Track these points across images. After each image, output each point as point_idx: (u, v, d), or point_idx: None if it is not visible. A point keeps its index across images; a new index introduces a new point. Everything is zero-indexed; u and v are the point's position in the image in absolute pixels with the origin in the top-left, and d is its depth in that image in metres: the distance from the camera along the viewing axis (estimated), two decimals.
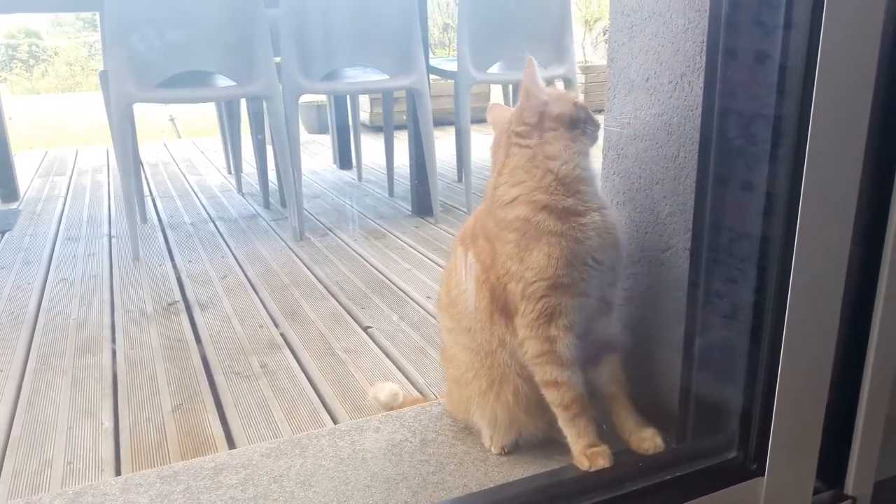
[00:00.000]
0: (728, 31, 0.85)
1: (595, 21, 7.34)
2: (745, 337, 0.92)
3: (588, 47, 7.20)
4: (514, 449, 1.14)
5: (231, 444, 1.34)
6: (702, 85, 0.96)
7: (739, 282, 0.91)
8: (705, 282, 0.95)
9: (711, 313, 0.96)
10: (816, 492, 1.03)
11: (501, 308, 1.03)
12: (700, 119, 0.96)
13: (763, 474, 0.95)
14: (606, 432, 1.06)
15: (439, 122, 3.24)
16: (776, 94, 0.79)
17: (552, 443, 1.14)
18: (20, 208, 3.33)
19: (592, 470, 1.00)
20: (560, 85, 3.21)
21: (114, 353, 1.75)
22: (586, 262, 0.98)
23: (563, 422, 1.04)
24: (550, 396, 1.02)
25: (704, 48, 0.96)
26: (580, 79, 3.39)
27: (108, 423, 1.42)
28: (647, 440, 1.04)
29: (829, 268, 0.87)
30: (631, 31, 1.14)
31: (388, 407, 1.35)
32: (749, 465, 0.96)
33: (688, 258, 1.01)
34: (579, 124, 1.00)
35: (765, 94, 0.81)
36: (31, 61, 12.83)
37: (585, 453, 1.02)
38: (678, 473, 0.96)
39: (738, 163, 0.86)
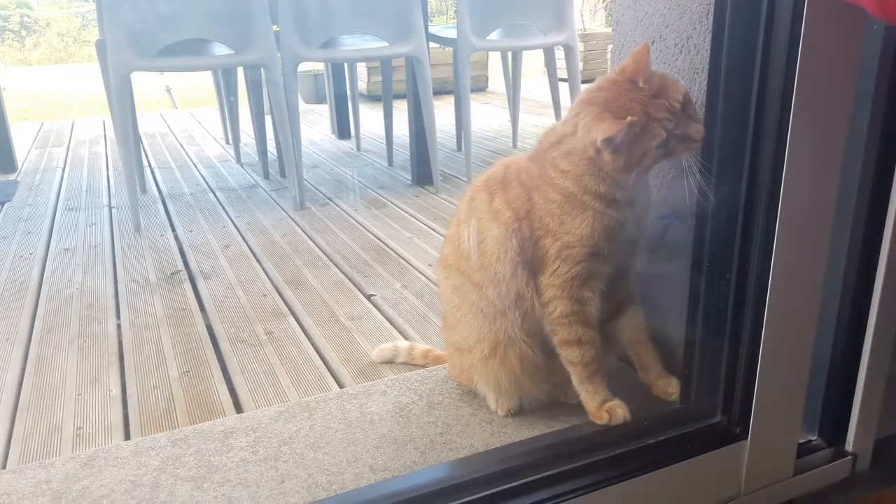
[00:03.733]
0: None
1: None
2: (732, 300, 0.94)
3: (587, 15, 7.12)
4: (519, 411, 1.15)
5: (239, 409, 1.35)
6: (708, 47, 0.96)
7: (734, 246, 0.92)
8: (710, 244, 0.96)
9: (711, 279, 0.97)
10: (817, 448, 1.05)
11: (528, 261, 1.02)
12: (706, 81, 0.96)
13: (746, 438, 0.97)
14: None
15: (437, 92, 3.23)
16: (786, 57, 0.79)
17: (556, 404, 1.16)
18: (18, 179, 3.32)
19: (613, 423, 1.04)
20: (560, 53, 3.18)
21: (118, 322, 1.76)
22: (624, 237, 1.01)
23: (580, 379, 1.06)
24: (572, 355, 1.04)
25: (712, 10, 0.95)
26: (580, 46, 3.37)
27: (115, 390, 1.44)
28: (672, 385, 1.10)
29: (813, 231, 0.88)
30: None
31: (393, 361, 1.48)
32: (733, 429, 0.98)
33: (693, 221, 1.02)
34: None
35: (774, 55, 0.81)
36: (23, 32, 12.66)
37: (604, 408, 1.05)
38: (662, 437, 0.98)
39: (744, 125, 0.86)
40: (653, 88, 0.92)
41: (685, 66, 1.05)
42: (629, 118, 0.89)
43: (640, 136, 0.91)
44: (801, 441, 1.04)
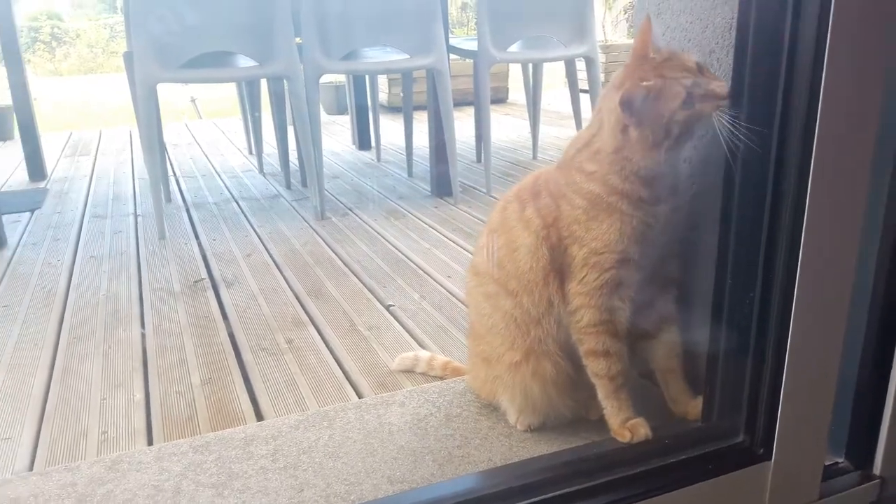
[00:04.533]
0: (761, 5, 0.84)
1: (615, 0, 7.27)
2: (755, 319, 0.93)
3: (608, 26, 7.13)
4: (539, 427, 1.15)
5: (259, 417, 1.36)
6: (731, 62, 0.96)
7: (758, 263, 0.92)
8: (733, 262, 0.96)
9: (734, 296, 0.96)
10: (844, 472, 1.03)
11: (558, 269, 1.02)
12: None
13: (770, 459, 0.95)
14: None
15: (457, 103, 3.24)
16: (810, 73, 0.79)
17: (576, 420, 1.15)
18: (48, 187, 3.39)
19: (635, 441, 1.03)
20: (581, 64, 3.19)
21: (142, 331, 1.79)
22: (654, 242, 0.99)
23: (605, 394, 1.05)
24: (598, 366, 1.03)
25: (735, 24, 0.95)
26: (601, 58, 3.38)
27: (139, 396, 1.46)
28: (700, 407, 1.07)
29: (839, 248, 0.87)
30: (658, 8, 1.14)
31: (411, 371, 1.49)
32: (756, 450, 0.97)
33: (716, 236, 1.01)
34: None
35: (799, 72, 0.81)
36: (54, 43, 12.92)
37: (626, 426, 1.04)
38: (683, 456, 0.97)
39: (768, 141, 0.86)
40: (663, 56, 0.93)
41: None
42: (645, 83, 0.90)
43: (661, 98, 0.90)
44: (826, 463, 1.02)
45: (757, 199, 0.89)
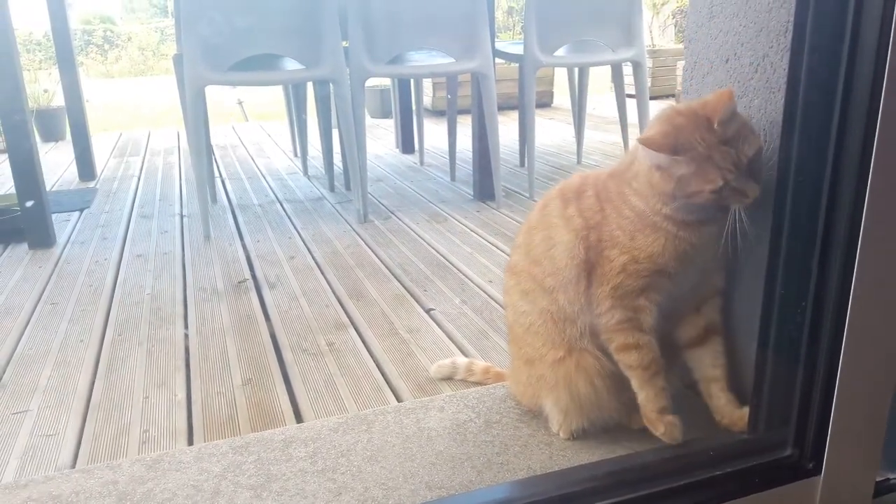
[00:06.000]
0: (819, 7, 0.81)
1: (662, 4, 7.18)
2: (806, 328, 0.90)
3: (656, 31, 7.03)
4: (580, 435, 1.13)
5: (299, 418, 1.37)
6: (785, 66, 0.93)
7: (811, 271, 0.88)
8: (784, 271, 0.92)
9: (785, 306, 0.93)
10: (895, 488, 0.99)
11: (589, 271, 1.03)
12: (783, 101, 0.93)
13: (819, 473, 0.92)
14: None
15: (501, 107, 3.22)
16: (871, 78, 0.76)
17: (618, 430, 1.13)
18: (97, 187, 3.47)
19: (666, 440, 1.02)
20: (628, 69, 3.14)
21: (185, 331, 1.81)
22: (696, 259, 0.99)
23: (640, 383, 1.04)
24: (630, 359, 1.03)
25: (790, 27, 0.92)
26: (648, 63, 3.32)
27: (180, 395, 1.47)
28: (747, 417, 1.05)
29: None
30: (711, 11, 1.11)
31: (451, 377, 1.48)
32: (805, 464, 0.93)
33: (765, 242, 0.98)
34: None
35: (859, 76, 0.77)
36: (106, 46, 13.32)
37: (662, 419, 1.03)
38: (729, 469, 0.94)
39: (824, 148, 0.83)
40: (726, 134, 0.91)
41: (760, 85, 1.02)
42: (679, 156, 0.92)
43: (697, 175, 0.92)
44: (878, 479, 0.98)
45: (812, 205, 0.86)
